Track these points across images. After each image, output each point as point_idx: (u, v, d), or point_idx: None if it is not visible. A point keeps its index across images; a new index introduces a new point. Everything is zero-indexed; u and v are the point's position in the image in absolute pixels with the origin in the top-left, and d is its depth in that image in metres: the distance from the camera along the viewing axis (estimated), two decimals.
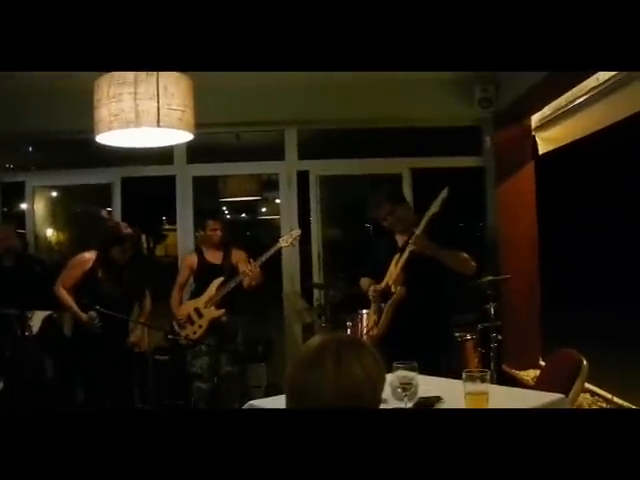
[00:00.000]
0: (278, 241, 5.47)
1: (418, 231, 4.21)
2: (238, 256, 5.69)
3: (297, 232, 5.58)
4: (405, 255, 4.24)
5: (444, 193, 4.14)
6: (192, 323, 5.50)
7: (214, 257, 5.68)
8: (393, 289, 4.31)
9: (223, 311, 5.49)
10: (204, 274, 5.64)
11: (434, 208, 4.15)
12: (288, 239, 5.47)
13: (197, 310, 5.51)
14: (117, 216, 6.66)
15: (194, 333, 5.45)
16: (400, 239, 4.49)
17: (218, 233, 5.63)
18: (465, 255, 4.29)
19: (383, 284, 4.40)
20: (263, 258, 5.40)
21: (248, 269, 5.38)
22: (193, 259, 5.76)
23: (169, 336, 5.52)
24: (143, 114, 2.95)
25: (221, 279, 5.50)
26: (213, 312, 5.49)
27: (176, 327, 5.52)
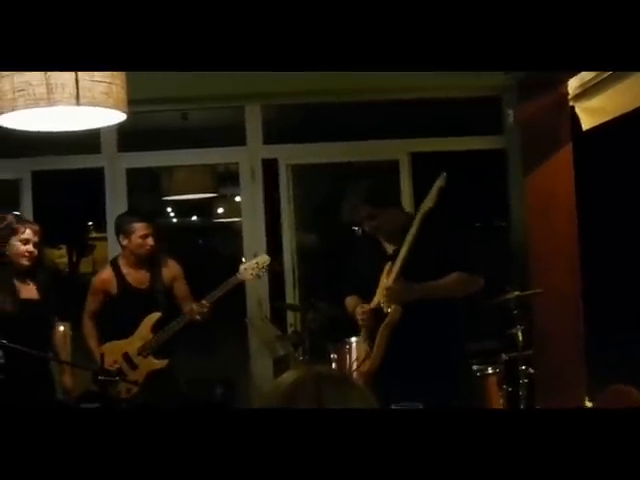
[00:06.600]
0: (237, 271, 5.31)
1: (390, 279, 4.22)
2: (171, 273, 5.51)
3: (265, 259, 5.43)
4: (398, 264, 4.24)
5: (440, 181, 4.13)
6: (123, 376, 5.18)
7: (138, 278, 5.42)
8: (385, 309, 4.31)
9: (167, 362, 5.32)
10: (126, 304, 5.39)
11: (428, 202, 4.13)
12: (253, 269, 5.31)
13: (127, 358, 5.29)
14: None
15: (127, 391, 5.18)
16: (388, 245, 4.51)
17: (150, 241, 5.31)
18: (460, 275, 4.31)
19: (374, 303, 4.40)
20: (216, 294, 5.23)
21: (195, 308, 5.22)
22: (109, 279, 5.45)
23: (99, 377, 5.22)
24: (57, 88, 2.94)
25: (157, 315, 5.32)
26: (153, 363, 5.28)
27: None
